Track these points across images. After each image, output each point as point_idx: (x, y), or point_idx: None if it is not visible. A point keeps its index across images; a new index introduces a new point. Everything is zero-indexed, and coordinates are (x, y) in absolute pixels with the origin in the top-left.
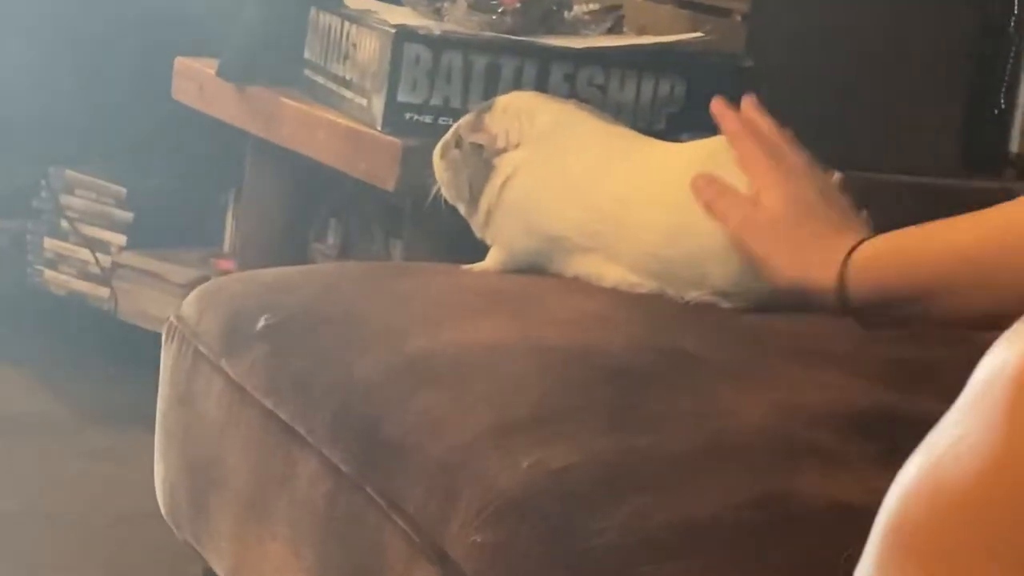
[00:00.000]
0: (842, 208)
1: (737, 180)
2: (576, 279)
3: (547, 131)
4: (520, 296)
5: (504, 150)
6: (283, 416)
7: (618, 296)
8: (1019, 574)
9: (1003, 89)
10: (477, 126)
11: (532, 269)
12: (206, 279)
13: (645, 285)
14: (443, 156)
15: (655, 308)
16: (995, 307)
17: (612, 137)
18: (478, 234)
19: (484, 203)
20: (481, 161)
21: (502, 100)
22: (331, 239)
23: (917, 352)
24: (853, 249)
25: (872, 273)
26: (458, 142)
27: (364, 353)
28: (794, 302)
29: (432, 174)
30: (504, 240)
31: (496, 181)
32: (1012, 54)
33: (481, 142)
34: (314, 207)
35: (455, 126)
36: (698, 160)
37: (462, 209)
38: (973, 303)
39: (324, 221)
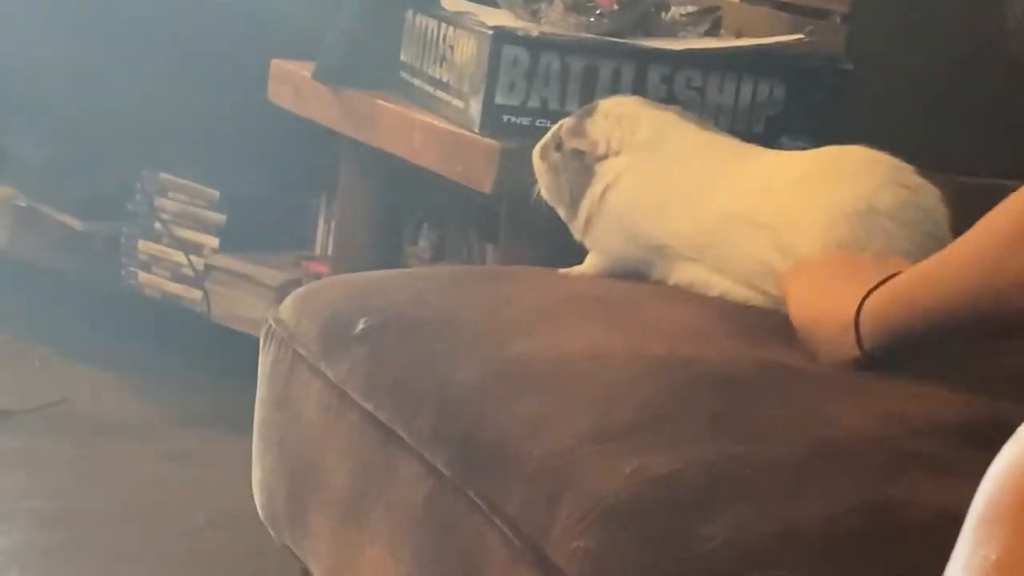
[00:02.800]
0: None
1: (848, 191)
2: (676, 287)
3: (649, 140)
4: (619, 303)
5: (605, 157)
6: (383, 419)
7: (717, 308)
8: None
9: None
10: (578, 131)
11: (630, 275)
12: (298, 282)
13: (755, 298)
14: (543, 158)
15: (755, 320)
16: None
17: (716, 147)
18: (577, 238)
19: (584, 208)
20: (582, 166)
21: (604, 105)
22: (423, 243)
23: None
24: (867, 296)
25: (889, 311)
26: (558, 145)
27: (463, 357)
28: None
29: (532, 176)
30: (603, 246)
31: (597, 188)
32: None
33: (583, 148)
34: (407, 210)
35: (555, 128)
36: (809, 172)
37: (561, 212)
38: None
39: (417, 225)
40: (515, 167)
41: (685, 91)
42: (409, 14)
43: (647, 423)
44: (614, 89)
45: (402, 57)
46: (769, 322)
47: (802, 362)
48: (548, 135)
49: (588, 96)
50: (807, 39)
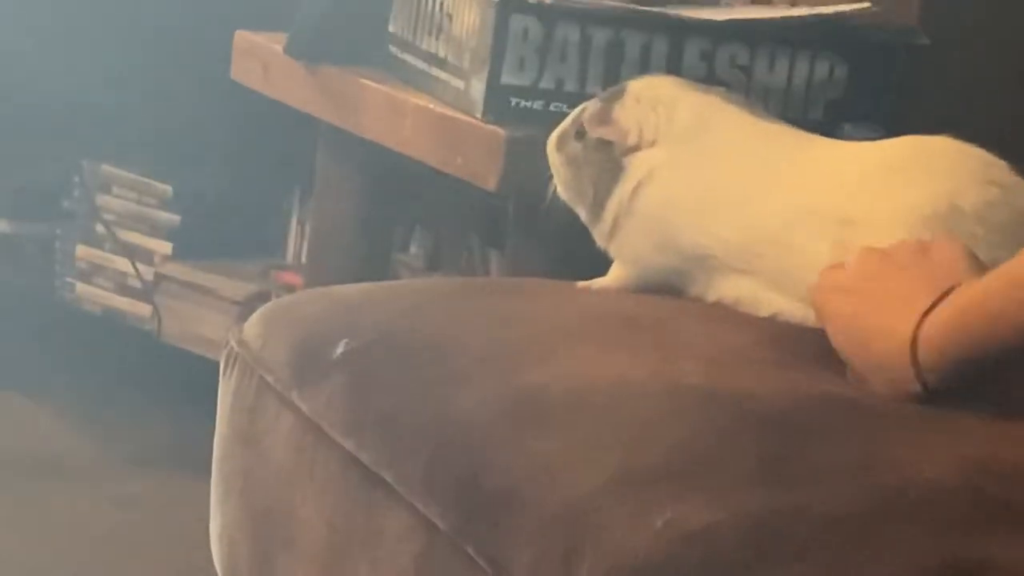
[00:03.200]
0: (939, 264)
1: (930, 189)
2: (719, 305)
3: (689, 128)
4: (651, 323)
5: (637, 148)
6: (366, 460)
7: (767, 330)
8: None
9: None
10: (604, 118)
11: (663, 289)
12: (265, 295)
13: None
14: (560, 149)
15: (811, 346)
16: None
17: (768, 137)
18: (600, 244)
19: (611, 209)
20: (609, 159)
21: (635, 87)
22: (416, 249)
23: None
24: (921, 321)
25: (948, 337)
26: (579, 133)
27: (463, 386)
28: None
29: (546, 170)
30: (632, 254)
31: (627, 185)
32: None
33: (610, 138)
34: (397, 210)
35: (575, 114)
36: (883, 166)
37: (582, 214)
38: None
39: (409, 227)
40: (525, 159)
41: (729, 70)
42: None
43: (682, 467)
44: (643, 67)
45: (390, 28)
46: (827, 347)
47: (866, 395)
48: (567, 122)
49: (613, 76)
50: (874, 8)
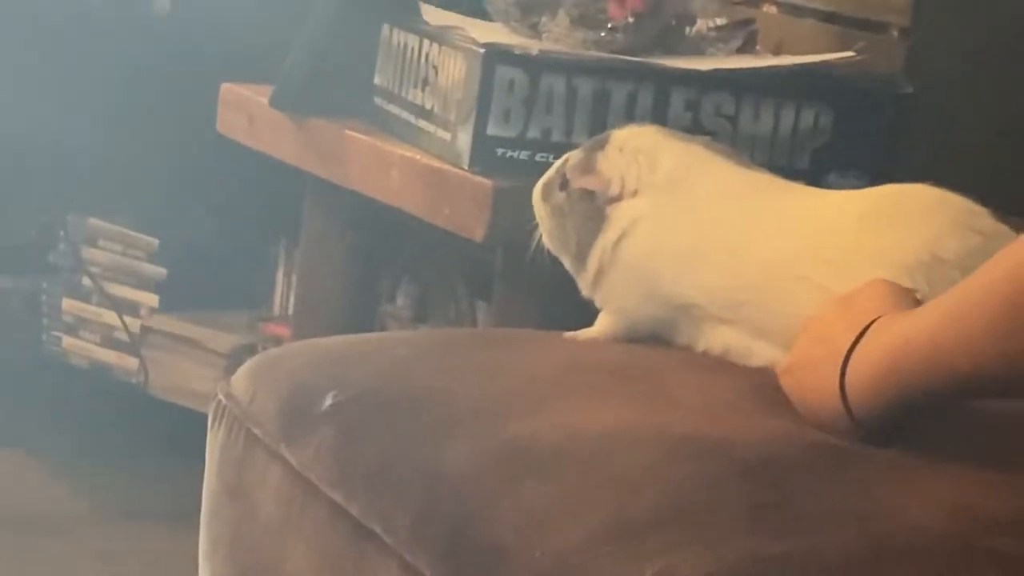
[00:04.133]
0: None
1: (912, 238)
2: (706, 354)
3: (673, 177)
4: (638, 374)
5: (620, 198)
6: (355, 513)
7: (754, 379)
8: None
9: None
10: (587, 167)
11: (650, 338)
12: (253, 348)
13: None
14: (545, 199)
15: None
16: None
17: (753, 186)
18: (585, 294)
19: (594, 259)
20: (592, 209)
21: (618, 136)
22: (403, 301)
23: None
24: (846, 362)
25: (876, 383)
26: (563, 184)
27: (452, 438)
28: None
29: (532, 220)
30: (618, 304)
31: (609, 235)
32: None
33: (592, 188)
34: (384, 262)
35: (559, 163)
36: (866, 214)
37: (566, 263)
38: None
39: (396, 279)
40: (512, 210)
41: (714, 119)
42: (385, 29)
43: (672, 517)
44: (629, 116)
45: (376, 80)
46: None
47: (855, 442)
48: (551, 171)
49: (599, 125)
50: (859, 57)
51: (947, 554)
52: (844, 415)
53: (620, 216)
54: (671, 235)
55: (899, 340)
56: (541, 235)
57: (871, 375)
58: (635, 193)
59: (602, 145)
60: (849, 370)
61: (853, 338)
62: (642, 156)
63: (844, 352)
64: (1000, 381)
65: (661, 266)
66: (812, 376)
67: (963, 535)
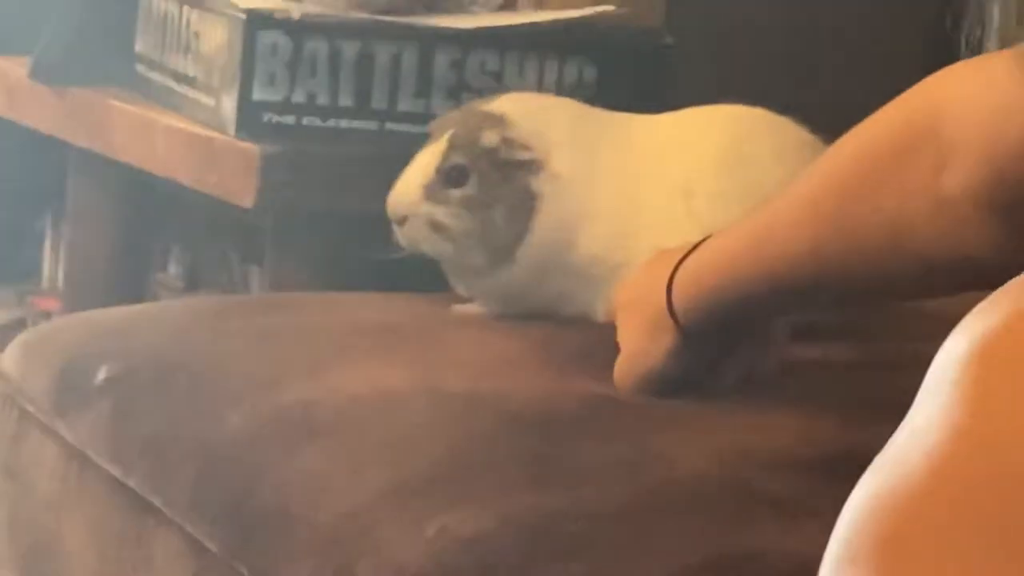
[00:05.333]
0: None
1: (764, 153)
2: (481, 317)
3: (574, 135)
4: (415, 334)
5: (541, 168)
6: (134, 486)
7: (533, 334)
8: (1004, 549)
9: None
10: (508, 140)
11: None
12: (22, 323)
13: None
14: (431, 198)
15: (583, 346)
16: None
17: (621, 125)
18: (504, 288)
19: (534, 243)
20: (520, 188)
21: (505, 103)
22: (175, 269)
23: (884, 381)
24: (675, 269)
25: (702, 279)
26: (459, 175)
27: (230, 406)
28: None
29: (302, 184)
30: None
31: (548, 209)
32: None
33: (526, 158)
34: (154, 231)
35: (430, 158)
36: (716, 131)
37: (480, 259)
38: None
39: (166, 248)
40: (280, 175)
41: (479, 76)
42: None
43: (451, 475)
44: (394, 77)
45: (137, 47)
46: (592, 348)
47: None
48: (420, 169)
49: (364, 87)
50: (620, 11)
51: (721, 498)
52: (669, 324)
53: (546, 186)
54: (586, 195)
55: (723, 247)
56: (419, 244)
57: (694, 280)
58: (546, 160)
59: (499, 118)
60: (676, 278)
61: (681, 255)
62: (539, 116)
63: (673, 264)
64: (812, 284)
65: (581, 229)
66: (642, 297)
67: (738, 479)
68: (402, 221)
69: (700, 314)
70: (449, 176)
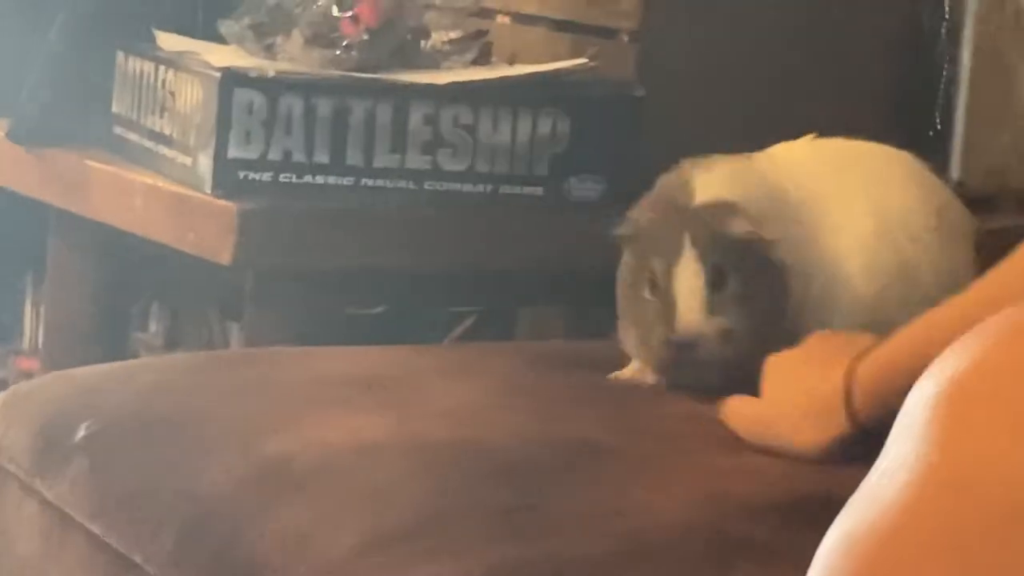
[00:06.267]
0: (832, 344)
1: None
2: (459, 356)
3: (769, 197)
4: (390, 383)
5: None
6: (114, 543)
7: (508, 381)
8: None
9: (937, 107)
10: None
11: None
12: (3, 383)
13: None
14: (714, 310)
15: (550, 394)
16: None
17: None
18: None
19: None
20: (772, 269)
21: (701, 182)
22: (155, 327)
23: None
24: (851, 373)
25: (882, 382)
26: (717, 275)
27: (209, 460)
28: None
29: (277, 239)
30: None
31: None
32: (945, 67)
33: (770, 238)
34: (133, 290)
35: (686, 267)
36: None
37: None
38: None
39: (146, 306)
40: (257, 232)
41: (453, 131)
42: (120, 56)
43: (429, 526)
44: (369, 133)
45: (114, 108)
46: (566, 394)
47: (609, 436)
48: (688, 289)
49: (339, 143)
50: (592, 63)
51: (699, 546)
52: (841, 416)
53: (797, 259)
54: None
55: (895, 349)
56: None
57: (874, 383)
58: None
59: (726, 210)
60: (859, 371)
61: (856, 353)
62: (752, 190)
63: (850, 359)
64: None
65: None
66: (800, 409)
67: (715, 525)
68: (693, 345)
69: (878, 410)
70: (715, 283)
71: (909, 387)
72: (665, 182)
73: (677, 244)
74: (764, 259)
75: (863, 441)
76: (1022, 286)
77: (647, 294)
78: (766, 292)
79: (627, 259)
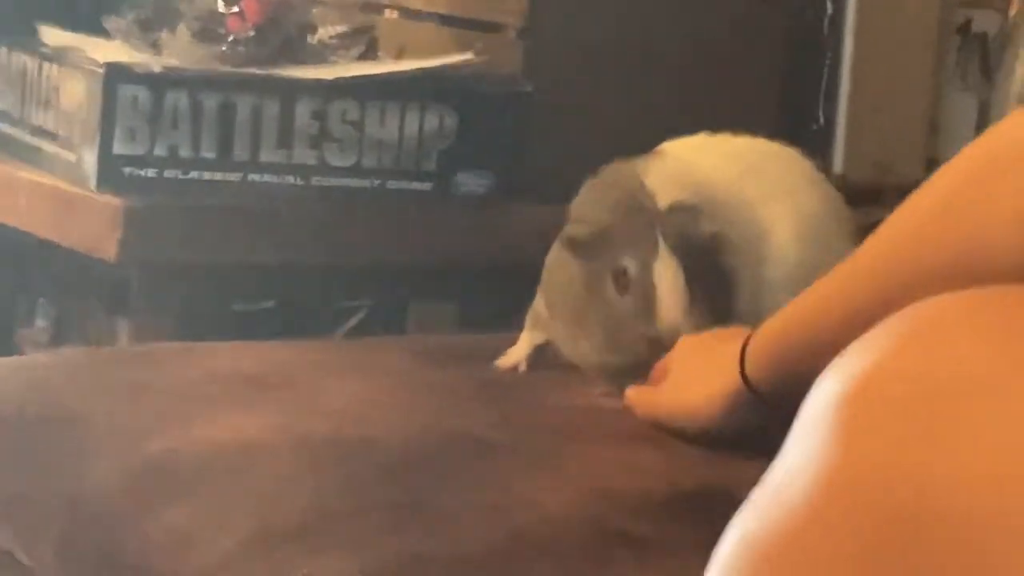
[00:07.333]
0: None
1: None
2: (353, 352)
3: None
4: (282, 381)
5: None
6: (3, 544)
7: (396, 377)
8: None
9: (820, 101)
10: (695, 221)
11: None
12: None
13: None
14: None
15: (439, 389)
16: None
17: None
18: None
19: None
20: (720, 267)
21: (656, 179)
22: (41, 323)
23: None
24: (745, 344)
25: (774, 350)
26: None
27: (95, 459)
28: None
29: (163, 235)
30: None
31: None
32: (827, 61)
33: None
34: (18, 287)
35: (665, 266)
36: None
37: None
38: None
39: (31, 302)
40: (143, 228)
41: (340, 126)
42: (2, 51)
43: (316, 523)
44: (255, 127)
45: None
46: (458, 389)
47: (497, 431)
48: (672, 289)
49: (226, 139)
50: (478, 58)
51: (581, 540)
52: (741, 393)
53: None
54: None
55: (795, 312)
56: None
57: (766, 350)
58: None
59: (689, 212)
60: (747, 350)
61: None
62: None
63: (744, 337)
64: None
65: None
66: (698, 375)
67: (597, 519)
68: (674, 341)
69: (767, 373)
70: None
71: (798, 354)
72: (611, 184)
73: (651, 244)
74: (719, 260)
75: (757, 410)
76: (898, 252)
77: (613, 294)
78: (723, 292)
79: (575, 263)
